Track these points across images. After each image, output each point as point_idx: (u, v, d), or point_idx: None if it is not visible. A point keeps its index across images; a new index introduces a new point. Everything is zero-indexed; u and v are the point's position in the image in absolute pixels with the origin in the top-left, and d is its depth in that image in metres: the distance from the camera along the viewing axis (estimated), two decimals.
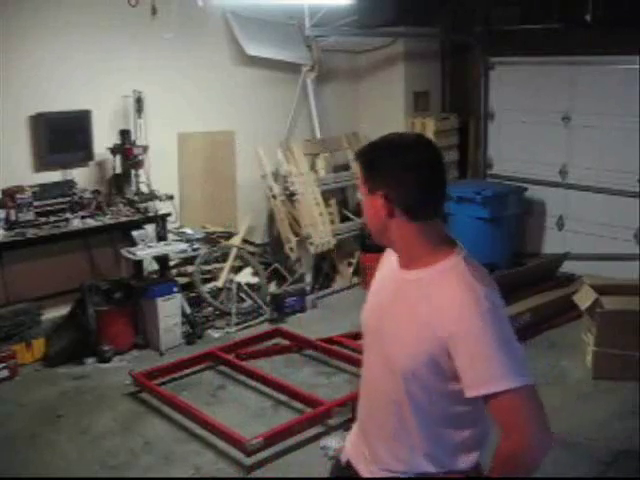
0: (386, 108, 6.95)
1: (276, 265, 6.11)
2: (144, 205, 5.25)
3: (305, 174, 6.16)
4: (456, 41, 7.15)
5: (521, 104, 6.65)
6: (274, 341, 5.10)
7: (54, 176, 5.10)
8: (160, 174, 5.49)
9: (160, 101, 5.50)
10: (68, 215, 4.94)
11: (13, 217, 4.71)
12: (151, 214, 5.24)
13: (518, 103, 6.68)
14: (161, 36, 5.43)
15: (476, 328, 1.53)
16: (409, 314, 1.65)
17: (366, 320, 1.81)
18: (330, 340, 4.90)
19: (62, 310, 5.04)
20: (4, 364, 4.52)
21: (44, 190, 4.94)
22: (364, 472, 1.79)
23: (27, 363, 4.74)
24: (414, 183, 1.62)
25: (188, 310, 5.23)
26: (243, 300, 5.65)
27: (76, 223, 4.91)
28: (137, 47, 5.44)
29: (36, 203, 4.84)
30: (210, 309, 5.55)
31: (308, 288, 5.99)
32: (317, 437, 3.79)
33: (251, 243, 6.23)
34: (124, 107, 5.39)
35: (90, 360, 4.79)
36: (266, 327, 5.37)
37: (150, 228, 5.26)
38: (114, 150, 5.22)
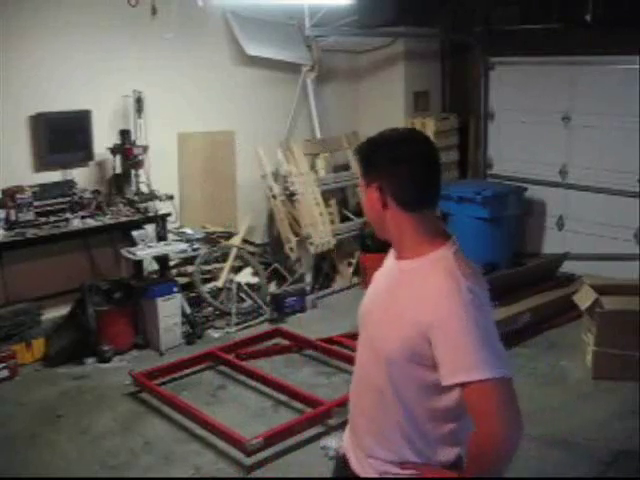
0: (386, 108, 6.94)
1: (276, 265, 6.11)
2: (144, 205, 5.25)
3: (305, 174, 6.16)
4: (456, 41, 7.15)
5: (521, 104, 6.65)
6: (274, 341, 5.10)
7: (54, 176, 5.11)
8: (160, 174, 5.49)
9: (160, 101, 5.51)
10: (68, 215, 4.94)
11: (13, 217, 4.72)
12: (151, 214, 5.24)
13: (518, 103, 6.68)
14: (161, 36, 5.43)
15: (456, 318, 1.56)
16: (395, 300, 1.69)
17: (361, 314, 1.85)
18: (330, 340, 4.90)
19: (62, 310, 5.04)
20: (4, 364, 4.52)
21: (44, 190, 4.95)
22: (352, 460, 1.82)
23: (27, 363, 4.74)
24: (407, 175, 1.67)
25: (188, 310, 5.23)
26: (243, 300, 5.65)
27: (76, 223, 4.91)
28: (137, 47, 5.44)
29: (36, 203, 4.84)
30: (210, 309, 5.55)
31: (308, 288, 5.99)
32: (317, 437, 3.79)
33: (251, 243, 6.23)
34: (124, 107, 5.39)
35: (90, 360, 4.80)
36: (266, 327, 5.37)
37: (150, 228, 5.26)
38: (114, 150, 5.23)
